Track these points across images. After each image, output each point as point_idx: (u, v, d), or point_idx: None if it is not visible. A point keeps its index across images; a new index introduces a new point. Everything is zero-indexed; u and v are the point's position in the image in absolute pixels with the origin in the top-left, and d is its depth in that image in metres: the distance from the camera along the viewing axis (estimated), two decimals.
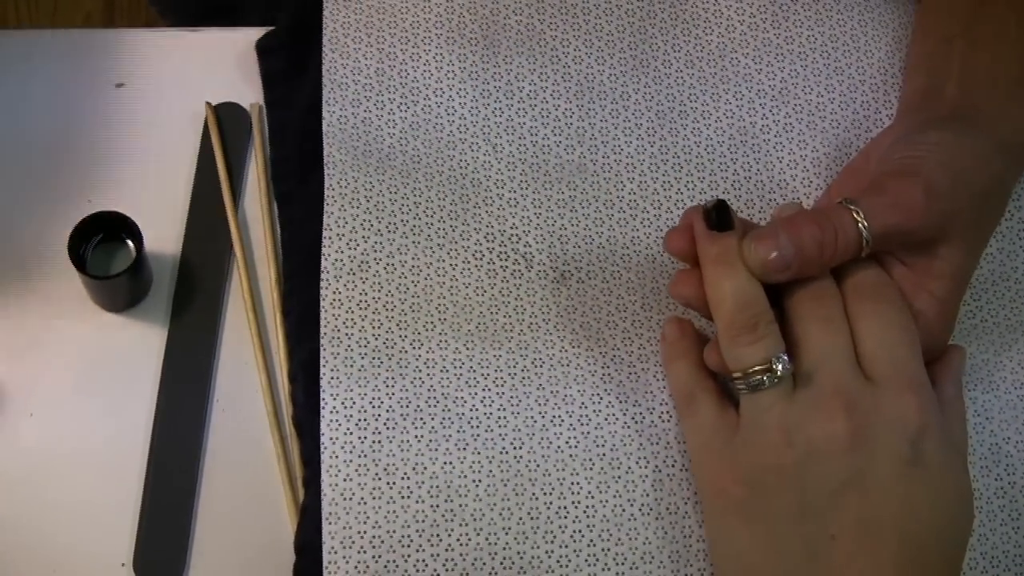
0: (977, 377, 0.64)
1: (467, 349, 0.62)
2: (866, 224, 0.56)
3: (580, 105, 0.69)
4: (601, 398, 0.61)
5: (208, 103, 0.69)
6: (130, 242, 0.63)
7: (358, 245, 0.64)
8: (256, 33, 0.71)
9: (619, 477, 0.60)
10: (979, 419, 0.63)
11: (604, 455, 0.60)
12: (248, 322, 0.65)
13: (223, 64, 0.71)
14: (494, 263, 0.64)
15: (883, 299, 0.57)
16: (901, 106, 0.68)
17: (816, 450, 0.54)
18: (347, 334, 0.62)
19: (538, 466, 0.60)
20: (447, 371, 0.61)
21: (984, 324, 0.65)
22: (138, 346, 0.64)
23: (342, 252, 0.63)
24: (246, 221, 0.67)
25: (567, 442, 0.60)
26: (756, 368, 0.55)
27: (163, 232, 0.66)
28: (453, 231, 0.65)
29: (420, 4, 0.70)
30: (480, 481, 0.59)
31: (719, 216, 0.57)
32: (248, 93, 0.70)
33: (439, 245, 0.64)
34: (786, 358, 0.55)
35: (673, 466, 0.60)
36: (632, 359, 0.63)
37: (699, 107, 0.69)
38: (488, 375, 0.61)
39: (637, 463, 0.60)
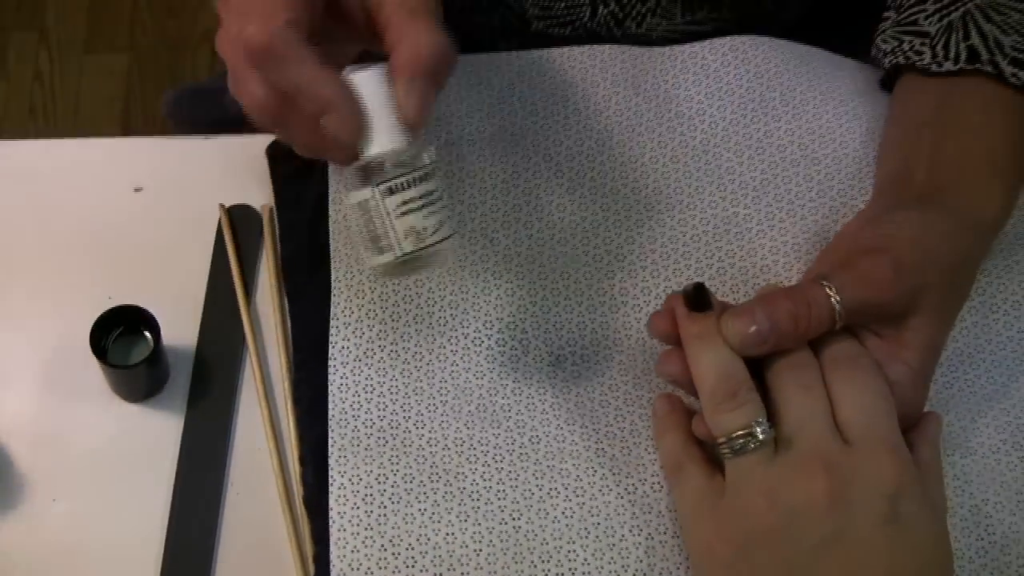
0: (955, 443, 0.67)
1: (467, 429, 0.65)
2: (838, 299, 0.60)
3: (572, 200, 0.73)
4: (595, 471, 0.65)
5: (221, 205, 0.73)
6: (148, 334, 0.67)
7: (363, 333, 0.67)
8: (265, 140, 0.76)
9: (613, 545, 0.63)
10: (959, 483, 0.66)
11: (599, 524, 0.63)
12: (261, 410, 0.68)
13: (235, 168, 0.75)
14: (492, 349, 0.68)
15: (858, 367, 0.61)
16: (875, 191, 0.72)
17: (797, 510, 0.57)
18: (354, 415, 0.65)
19: (536, 536, 0.63)
20: (449, 449, 0.65)
21: (961, 393, 0.68)
22: (157, 434, 0.68)
23: (348, 340, 0.67)
24: (258, 315, 0.71)
25: (563, 513, 0.63)
26: (738, 433, 0.59)
27: (180, 327, 0.70)
28: (453, 319, 0.69)
29: None
30: (481, 551, 0.62)
31: (697, 298, 0.61)
32: (259, 195, 0.75)
33: (440, 333, 0.68)
34: (766, 423, 0.59)
35: (665, 533, 0.63)
36: (624, 434, 0.66)
37: (684, 200, 0.73)
38: (488, 452, 0.65)
39: (630, 531, 0.63)
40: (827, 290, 0.60)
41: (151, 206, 0.74)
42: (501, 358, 0.68)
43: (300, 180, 0.74)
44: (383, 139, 0.57)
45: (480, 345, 0.68)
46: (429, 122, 0.60)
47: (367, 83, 0.57)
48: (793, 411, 0.59)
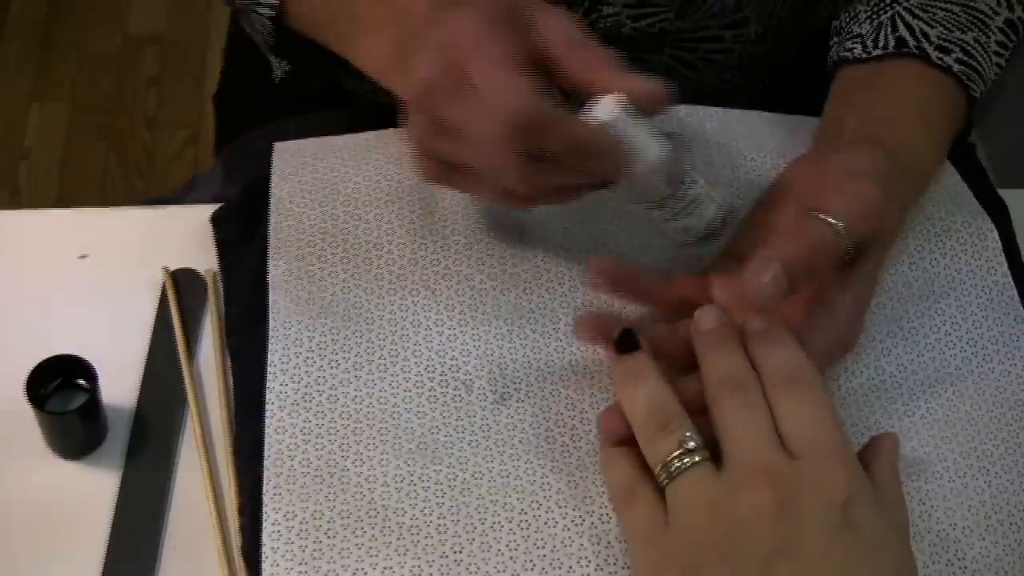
0: (918, 469, 0.65)
1: (407, 465, 0.64)
2: (841, 224, 0.61)
3: (513, 252, 0.73)
4: (540, 504, 0.63)
5: (165, 268, 0.73)
6: (84, 382, 0.65)
7: (301, 379, 0.66)
8: (210, 207, 0.76)
9: (561, 575, 0.60)
10: (924, 508, 0.64)
11: (545, 556, 0.61)
12: (200, 465, 0.67)
13: (181, 236, 0.75)
14: (435, 390, 0.67)
15: (799, 382, 0.59)
16: (812, 144, 0.74)
17: (744, 523, 0.55)
18: (290, 456, 0.64)
19: (479, 568, 0.60)
20: (388, 486, 0.63)
21: (923, 421, 0.67)
22: (93, 492, 0.66)
23: (286, 386, 0.66)
24: (200, 374, 0.70)
25: (507, 545, 0.61)
26: (673, 455, 0.57)
27: (120, 386, 0.69)
28: (394, 366, 0.68)
29: (361, 174, 0.75)
30: None
31: (626, 342, 0.61)
32: (205, 261, 0.74)
33: (380, 378, 0.67)
34: (698, 437, 0.57)
35: (614, 564, 0.61)
36: (571, 468, 0.64)
37: (631, 243, 0.73)
38: (428, 487, 0.63)
39: (579, 562, 0.61)
40: (831, 222, 0.61)
41: (96, 272, 0.74)
42: (444, 398, 0.67)
43: (244, 244, 0.74)
44: (644, 156, 0.62)
45: (422, 387, 0.67)
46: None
47: (612, 114, 0.61)
48: (735, 429, 0.58)
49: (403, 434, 0.65)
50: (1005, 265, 0.73)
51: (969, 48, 0.72)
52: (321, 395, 0.66)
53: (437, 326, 0.69)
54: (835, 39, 0.79)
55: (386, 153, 0.77)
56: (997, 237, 0.74)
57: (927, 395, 0.68)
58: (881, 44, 0.73)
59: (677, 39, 0.84)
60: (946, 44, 0.72)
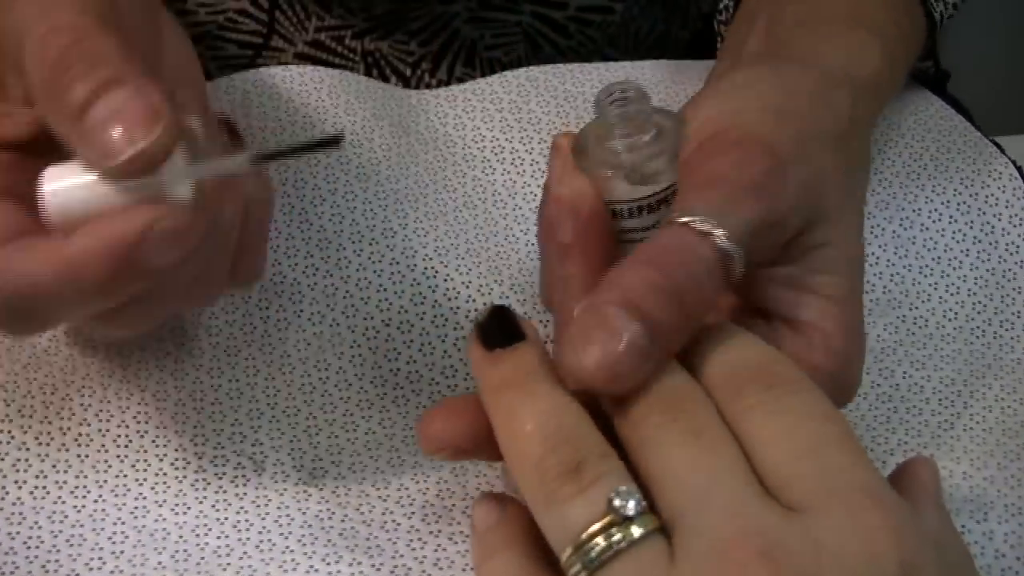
0: (982, 502, 0.42)
1: None
2: (723, 234, 0.36)
3: (325, 257, 0.49)
4: None
5: None
6: None
7: None
8: None
9: None
10: (1006, 561, 0.40)
11: None
12: None
13: None
14: (204, 471, 0.43)
15: (776, 381, 0.35)
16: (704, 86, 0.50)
17: None
18: None
19: None
20: None
21: (969, 434, 0.45)
22: None
23: None
24: None
25: None
26: (594, 529, 0.32)
27: None
28: (142, 438, 0.44)
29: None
30: None
31: (497, 326, 0.36)
32: None
33: (120, 457, 0.43)
34: (637, 494, 0.33)
35: None
36: (426, 566, 0.40)
37: (491, 248, 0.51)
38: None
39: None
40: (699, 227, 0.36)
41: None
42: (217, 483, 0.43)
43: None
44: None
45: (185, 469, 0.43)
46: None
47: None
48: (684, 477, 0.33)
49: (150, 539, 0.40)
50: None
51: None
52: (20, 489, 0.42)
53: (211, 377, 0.46)
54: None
55: None
56: (1016, 174, 0.53)
57: (965, 397, 0.46)
58: None
59: None
60: None
